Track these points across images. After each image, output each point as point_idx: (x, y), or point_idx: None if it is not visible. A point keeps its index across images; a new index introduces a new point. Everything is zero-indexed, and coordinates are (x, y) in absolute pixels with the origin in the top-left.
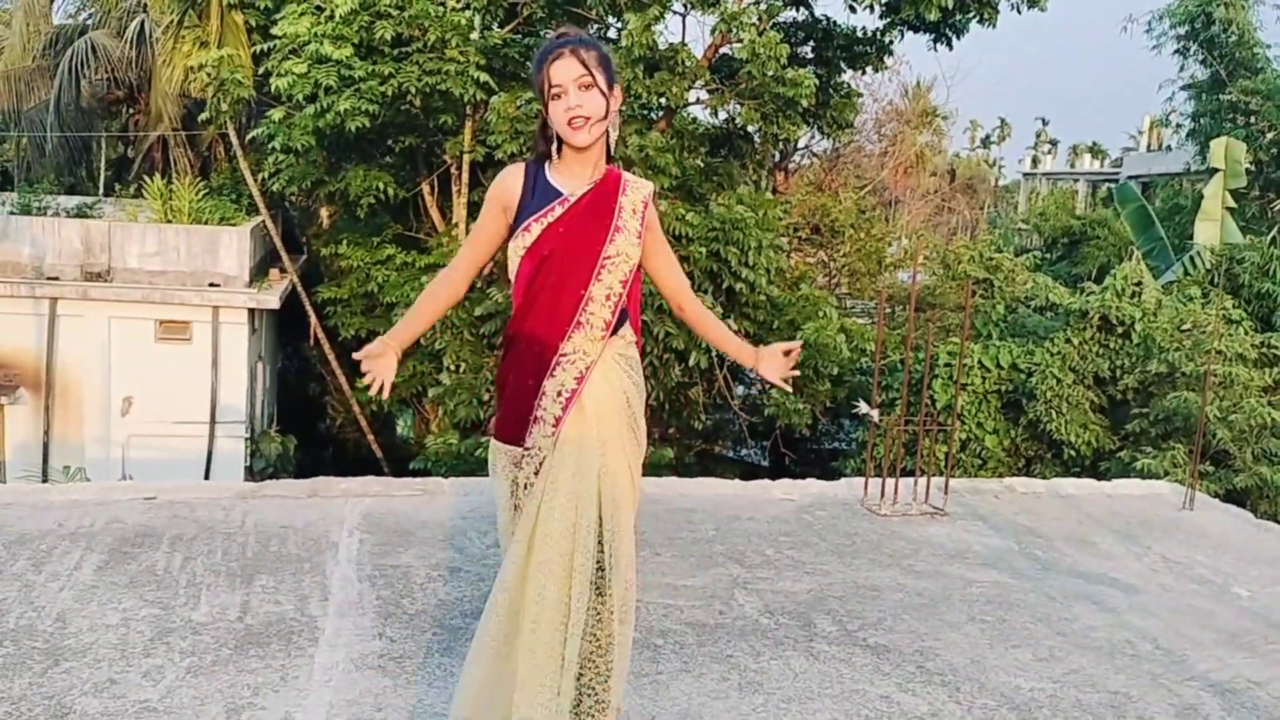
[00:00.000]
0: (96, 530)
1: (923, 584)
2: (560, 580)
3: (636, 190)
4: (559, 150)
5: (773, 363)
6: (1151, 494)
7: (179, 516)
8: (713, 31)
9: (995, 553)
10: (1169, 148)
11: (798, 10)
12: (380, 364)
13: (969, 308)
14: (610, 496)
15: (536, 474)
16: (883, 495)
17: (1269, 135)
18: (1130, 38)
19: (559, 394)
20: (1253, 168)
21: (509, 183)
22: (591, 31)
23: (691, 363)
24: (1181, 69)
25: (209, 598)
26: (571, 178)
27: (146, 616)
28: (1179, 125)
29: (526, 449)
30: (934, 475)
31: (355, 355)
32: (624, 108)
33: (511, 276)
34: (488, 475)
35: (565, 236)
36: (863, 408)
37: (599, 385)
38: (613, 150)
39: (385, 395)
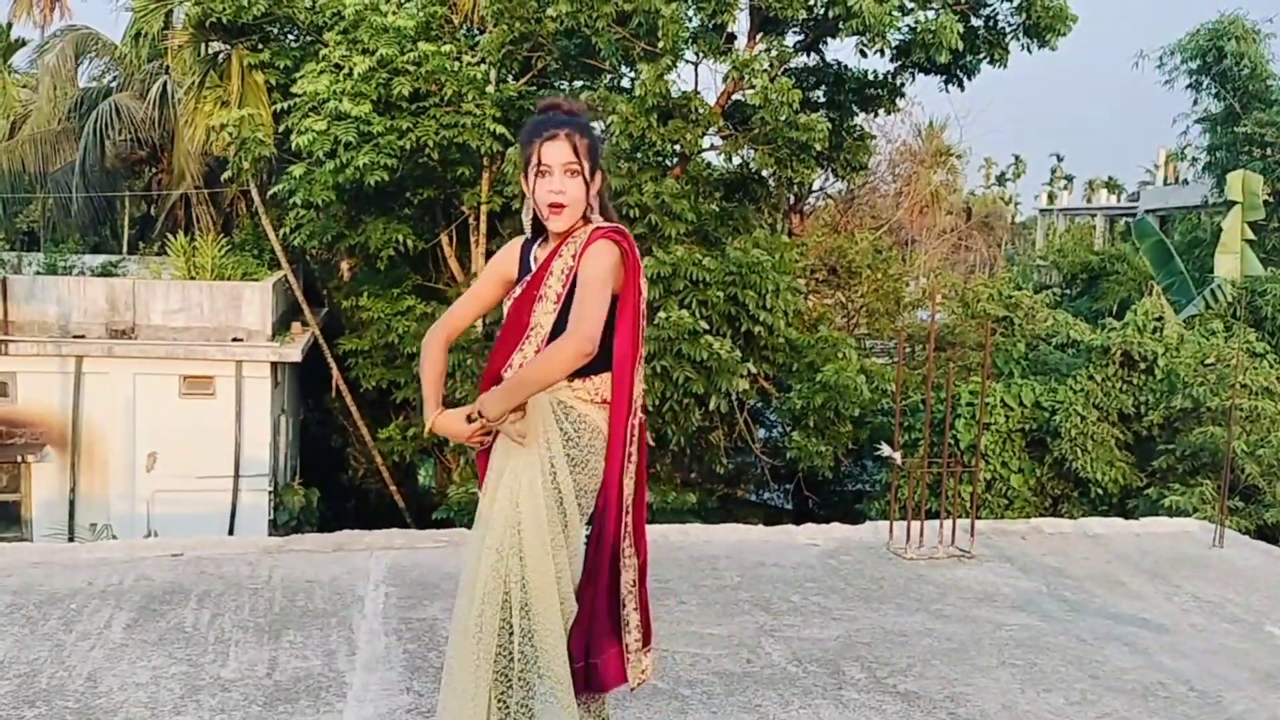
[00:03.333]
0: (125, 588)
1: (952, 628)
2: (468, 662)
3: (571, 245)
4: (539, 225)
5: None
6: (1180, 532)
7: (206, 573)
8: (725, 79)
9: (1024, 595)
10: (1185, 181)
11: (809, 56)
12: (453, 430)
13: (989, 346)
14: (518, 570)
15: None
16: (908, 539)
17: None
18: (1142, 73)
19: (481, 454)
20: (1270, 199)
21: (508, 256)
22: (606, 81)
23: (711, 407)
24: (1195, 103)
25: (237, 654)
26: (546, 251)
27: (176, 674)
28: (1194, 159)
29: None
30: (959, 517)
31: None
32: (640, 155)
33: None
34: None
35: (511, 310)
36: (885, 450)
37: (515, 454)
38: (598, 216)
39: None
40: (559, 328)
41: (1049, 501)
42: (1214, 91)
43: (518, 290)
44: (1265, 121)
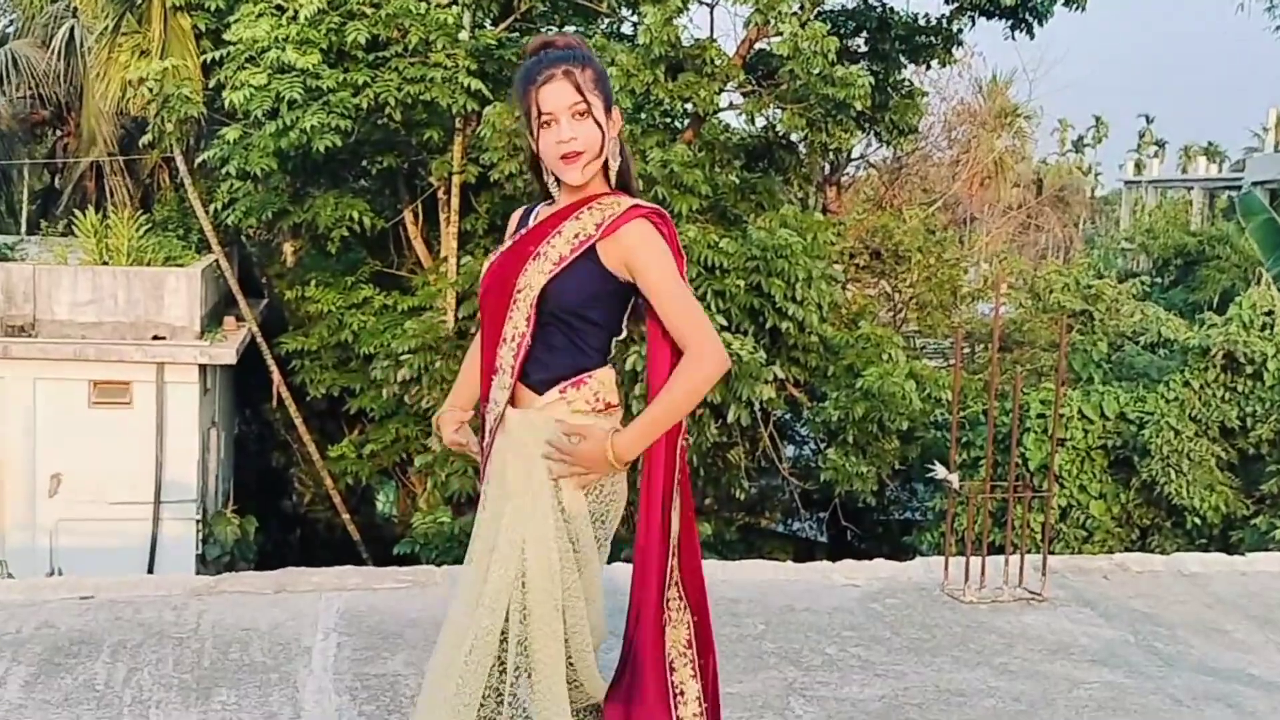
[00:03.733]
0: (24, 637)
1: (1019, 686)
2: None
3: (597, 213)
4: (558, 185)
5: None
6: None
7: (121, 619)
8: (746, 23)
9: (1106, 646)
10: None
11: None
12: (461, 436)
13: (1064, 346)
14: (519, 610)
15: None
16: (967, 578)
17: None
18: (1249, 17)
19: (484, 444)
20: None
21: (511, 224)
22: (604, 26)
23: (730, 419)
24: None
25: (158, 716)
26: (550, 210)
27: None
28: None
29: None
30: (1029, 552)
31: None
32: (644, 116)
33: None
34: None
35: (495, 273)
36: (939, 471)
37: (512, 438)
38: (615, 178)
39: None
40: (553, 294)
41: (1136, 533)
42: None
43: (504, 245)
44: None
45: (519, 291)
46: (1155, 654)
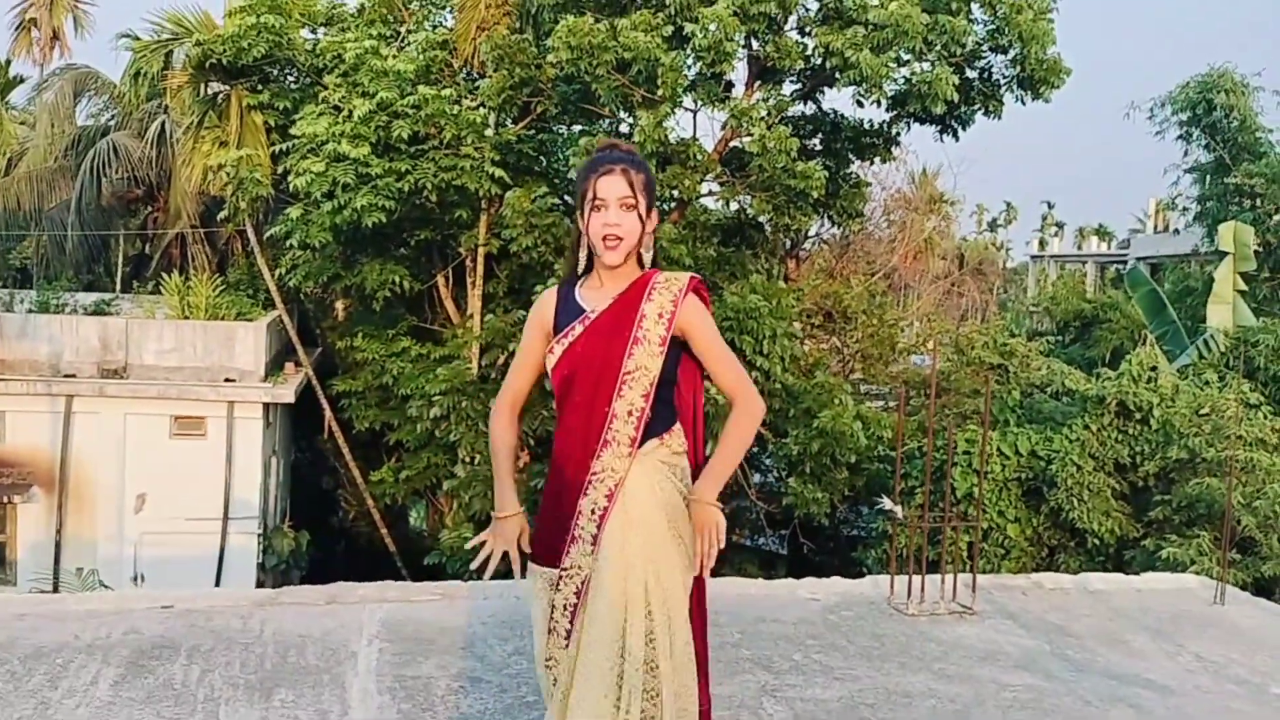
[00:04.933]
0: (114, 642)
1: (955, 689)
2: (605, 686)
3: (666, 291)
4: (589, 265)
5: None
6: (1181, 588)
7: (196, 626)
8: (723, 126)
9: (1027, 654)
10: (1176, 230)
11: (806, 105)
12: (500, 540)
13: (989, 395)
14: (662, 609)
15: (577, 594)
16: (910, 594)
17: (1275, 217)
18: (1133, 124)
19: (593, 512)
20: (1260, 250)
21: (544, 307)
22: (604, 126)
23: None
24: (1185, 153)
25: (227, 713)
26: (599, 293)
27: None
28: (1185, 208)
29: (564, 569)
30: (960, 571)
31: (481, 553)
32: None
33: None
34: (504, 578)
35: (585, 354)
36: (886, 503)
37: (636, 498)
38: (649, 262)
39: (492, 565)
40: (667, 373)
41: (1045, 551)
42: (1204, 143)
43: (577, 329)
44: (1254, 173)
45: (631, 373)
46: (1068, 661)
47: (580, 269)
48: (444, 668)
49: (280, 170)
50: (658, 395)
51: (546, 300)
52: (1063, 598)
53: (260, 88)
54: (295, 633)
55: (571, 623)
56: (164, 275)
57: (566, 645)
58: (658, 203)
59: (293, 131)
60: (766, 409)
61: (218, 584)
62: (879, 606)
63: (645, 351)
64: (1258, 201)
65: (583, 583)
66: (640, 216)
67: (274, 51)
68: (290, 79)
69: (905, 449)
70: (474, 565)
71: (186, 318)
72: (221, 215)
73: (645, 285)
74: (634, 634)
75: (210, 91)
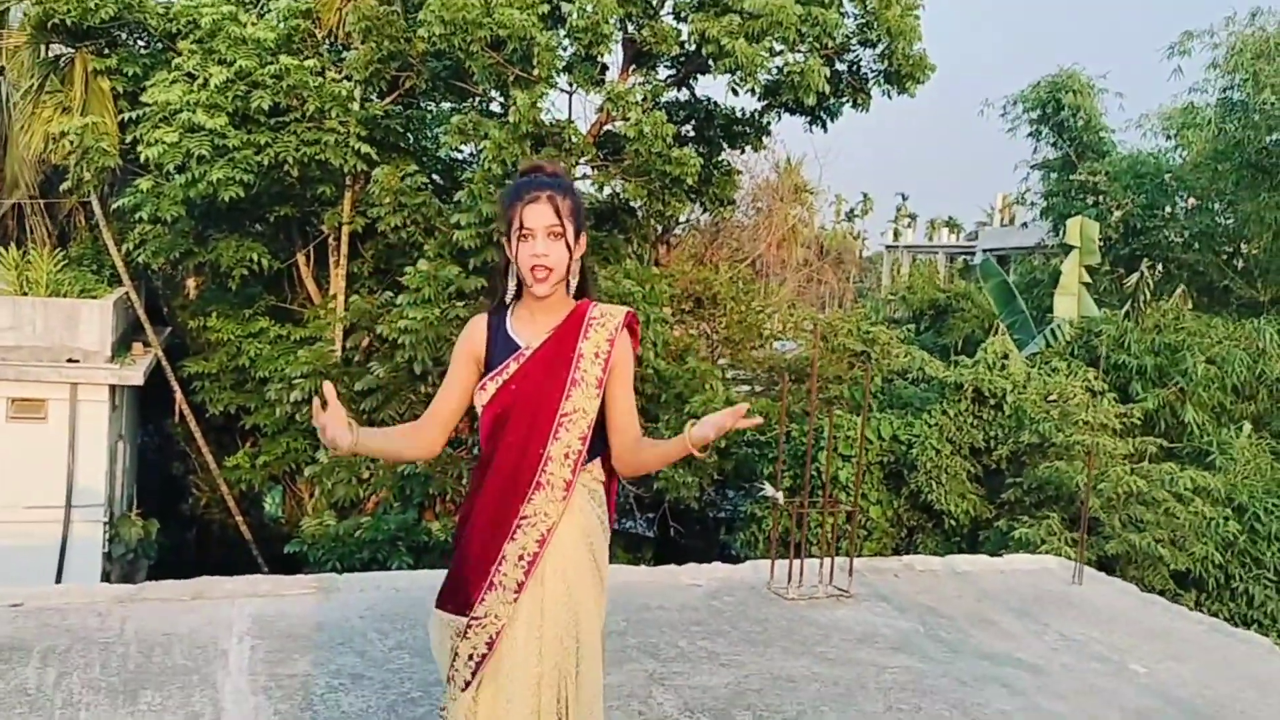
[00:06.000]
0: None
1: (837, 672)
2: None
3: (603, 327)
4: (518, 293)
5: (704, 430)
6: (1041, 569)
7: (50, 625)
8: (599, 109)
9: (902, 635)
10: (1024, 224)
11: (680, 91)
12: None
13: (869, 381)
14: (581, 651)
15: (489, 645)
16: (789, 578)
17: (1116, 213)
18: (986, 120)
19: (520, 558)
20: (1103, 244)
21: (474, 335)
22: (476, 104)
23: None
24: (1035, 150)
25: (89, 719)
26: (532, 325)
27: None
28: (1033, 203)
29: (475, 618)
30: (835, 555)
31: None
32: (511, 182)
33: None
34: (376, 568)
35: (519, 394)
36: (768, 489)
37: (568, 540)
38: (575, 291)
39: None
40: (602, 416)
41: (905, 532)
42: (1052, 141)
43: (511, 367)
44: (1098, 170)
45: (568, 415)
46: (941, 642)
47: (509, 297)
48: (322, 665)
49: (129, 140)
50: (593, 434)
51: (476, 329)
52: (932, 579)
53: (108, 51)
54: (159, 630)
55: (474, 674)
56: None
57: (464, 692)
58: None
59: (143, 99)
60: (641, 394)
61: (60, 576)
62: (759, 591)
63: (583, 394)
64: (1101, 198)
65: (496, 633)
66: (568, 244)
67: (123, 14)
68: (141, 44)
69: (773, 435)
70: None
71: (25, 294)
72: (64, 186)
73: (581, 321)
74: (548, 686)
75: (52, 54)
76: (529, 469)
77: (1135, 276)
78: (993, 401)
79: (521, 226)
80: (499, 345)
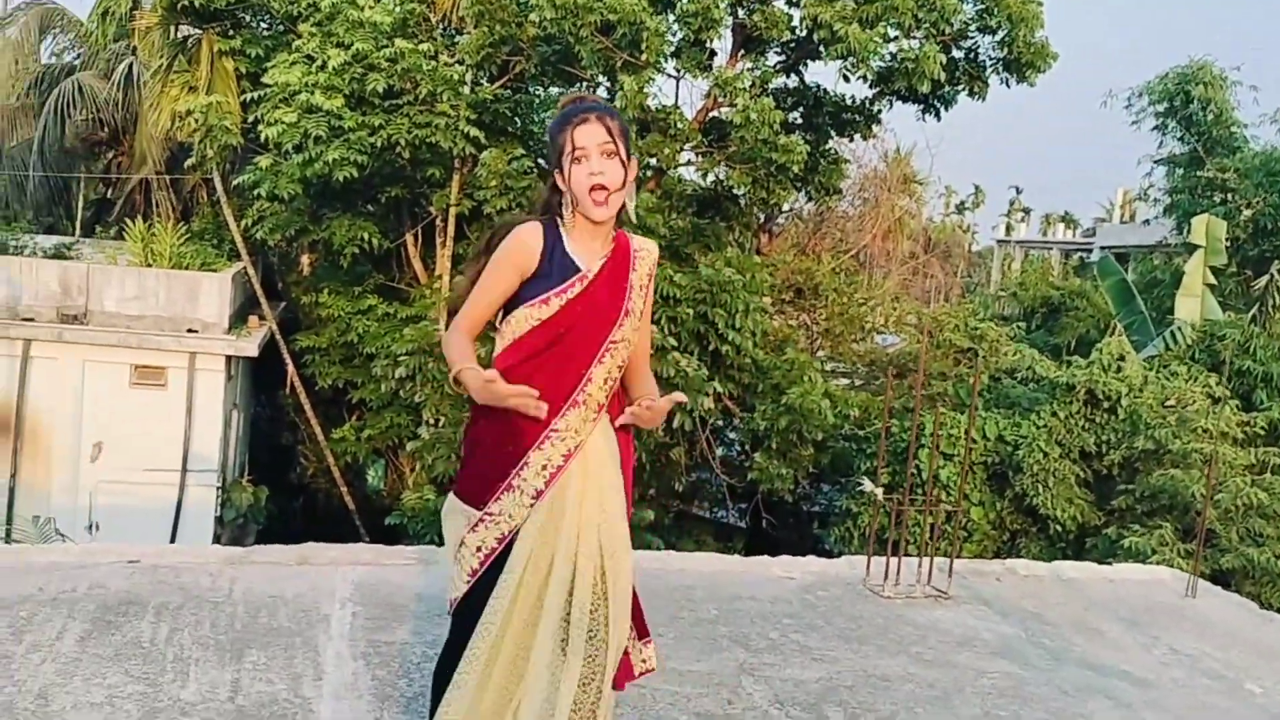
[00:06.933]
0: (79, 596)
1: (933, 674)
2: (550, 633)
3: (644, 261)
4: (574, 215)
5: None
6: (1153, 580)
7: (164, 582)
8: (705, 95)
9: (1004, 640)
10: (1146, 221)
11: (789, 77)
12: (504, 388)
13: (976, 381)
14: (611, 557)
15: (499, 541)
16: (886, 576)
17: (1246, 212)
18: (1109, 112)
19: (544, 467)
20: (1230, 245)
21: (528, 243)
22: (583, 89)
23: (675, 424)
24: (1160, 145)
25: (198, 674)
26: (587, 250)
27: (133, 694)
28: (1156, 199)
29: (489, 513)
30: (936, 555)
31: (509, 401)
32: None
33: (506, 338)
34: None
35: (580, 316)
36: (867, 485)
37: (595, 454)
38: (627, 217)
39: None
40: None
41: (1007, 535)
42: (1179, 135)
43: (576, 288)
44: (1228, 167)
45: (615, 343)
46: (1044, 649)
47: (565, 220)
48: (419, 634)
49: (250, 119)
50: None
51: (532, 238)
52: (1036, 585)
53: (232, 33)
54: (265, 593)
55: (481, 564)
56: (127, 221)
57: (469, 583)
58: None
59: (264, 80)
60: (737, 383)
61: (174, 536)
62: (855, 588)
63: (630, 324)
64: (1229, 196)
65: (509, 531)
66: (623, 161)
67: None
68: (263, 26)
69: (872, 429)
70: (529, 408)
71: (149, 265)
72: (188, 163)
73: (628, 252)
74: (583, 587)
75: (180, 34)
76: (568, 386)
77: (1264, 279)
78: (1106, 404)
79: (575, 148)
80: (555, 261)
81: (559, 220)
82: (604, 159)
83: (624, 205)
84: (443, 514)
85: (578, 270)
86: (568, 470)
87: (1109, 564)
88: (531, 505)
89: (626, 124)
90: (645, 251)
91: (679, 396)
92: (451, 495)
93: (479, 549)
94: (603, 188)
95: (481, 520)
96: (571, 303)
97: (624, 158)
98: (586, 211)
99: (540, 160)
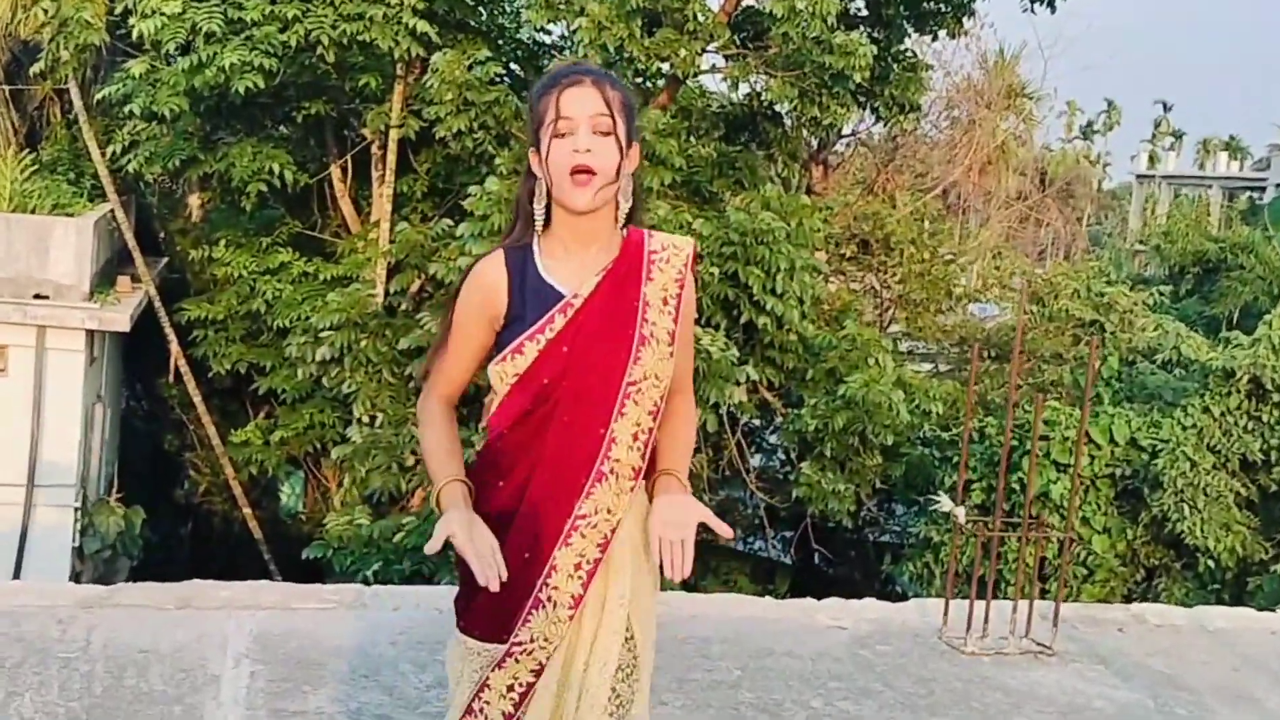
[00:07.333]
0: None
1: None
2: None
3: (668, 265)
4: (546, 222)
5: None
6: None
7: (0, 634)
8: None
9: (1124, 711)
10: None
11: None
12: (476, 534)
13: (1096, 366)
14: (640, 641)
15: (536, 674)
16: (969, 625)
17: None
18: None
19: (577, 567)
20: None
21: (486, 283)
22: None
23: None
24: None
25: None
26: (571, 264)
27: None
28: None
29: (518, 644)
30: (1037, 597)
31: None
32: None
33: (496, 394)
34: (420, 581)
35: (571, 358)
36: (945, 503)
37: (630, 537)
38: (623, 220)
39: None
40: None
41: (1141, 573)
42: None
43: (558, 322)
44: None
45: (636, 384)
46: None
47: (538, 223)
48: (340, 702)
49: (119, 10)
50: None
51: (490, 276)
52: (1172, 637)
53: None
54: (135, 647)
55: (517, 707)
56: None
57: None
58: (640, 80)
59: None
60: (779, 367)
61: (18, 573)
62: (926, 641)
63: (653, 354)
64: None
65: (547, 659)
66: (620, 144)
67: None
68: None
69: (958, 430)
70: (429, 548)
71: None
72: (35, 68)
73: (640, 256)
74: (605, 679)
75: None
76: (587, 456)
77: None
78: (1278, 398)
79: (559, 116)
80: (529, 294)
81: (532, 232)
82: (595, 136)
83: (617, 205)
84: (449, 658)
85: (559, 297)
86: (605, 563)
87: (1276, 611)
88: (570, 618)
89: (634, 102)
90: (670, 251)
91: (723, 529)
92: (459, 635)
93: (511, 689)
94: (587, 169)
95: (509, 654)
96: (554, 343)
97: (622, 140)
98: (564, 199)
99: (513, 66)
